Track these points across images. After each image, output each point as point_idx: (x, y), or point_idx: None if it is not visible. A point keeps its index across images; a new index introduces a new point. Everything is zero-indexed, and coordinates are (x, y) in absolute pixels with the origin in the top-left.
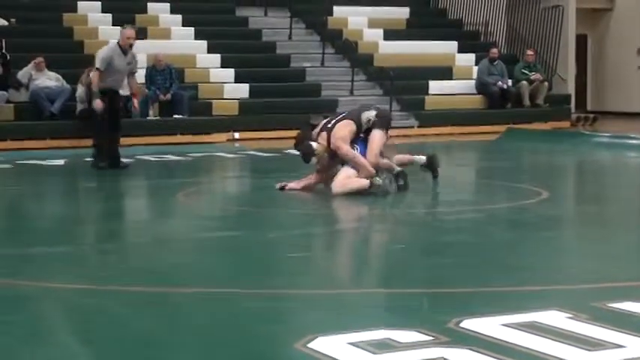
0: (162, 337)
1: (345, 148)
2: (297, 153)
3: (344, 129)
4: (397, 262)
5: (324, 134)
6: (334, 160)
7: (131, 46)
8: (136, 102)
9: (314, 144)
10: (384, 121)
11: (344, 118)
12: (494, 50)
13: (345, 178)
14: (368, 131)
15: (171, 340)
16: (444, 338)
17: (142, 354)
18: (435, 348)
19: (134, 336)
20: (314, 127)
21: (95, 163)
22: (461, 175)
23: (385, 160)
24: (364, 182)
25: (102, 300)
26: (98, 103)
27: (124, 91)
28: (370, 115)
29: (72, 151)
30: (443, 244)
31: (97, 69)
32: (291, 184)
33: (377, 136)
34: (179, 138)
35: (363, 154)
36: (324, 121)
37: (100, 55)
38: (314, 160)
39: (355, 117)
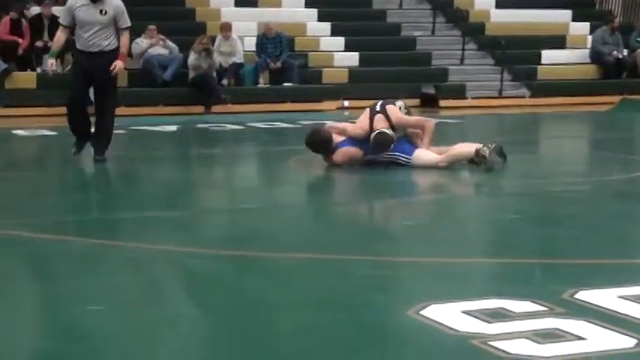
0: (272, 303)
1: (410, 118)
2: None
3: (395, 109)
4: (510, 231)
5: (379, 117)
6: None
7: None
8: (118, 64)
9: (386, 130)
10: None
11: (386, 104)
12: (615, 20)
13: (430, 154)
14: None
15: (283, 304)
16: (559, 309)
17: (254, 317)
18: (550, 319)
19: (246, 299)
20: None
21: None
22: (574, 146)
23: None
24: (471, 149)
25: (214, 264)
26: (50, 63)
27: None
28: (400, 103)
29: (184, 117)
30: (556, 215)
31: (60, 24)
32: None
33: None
34: (289, 106)
35: (410, 150)
36: (367, 112)
37: (64, 6)
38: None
39: (392, 102)
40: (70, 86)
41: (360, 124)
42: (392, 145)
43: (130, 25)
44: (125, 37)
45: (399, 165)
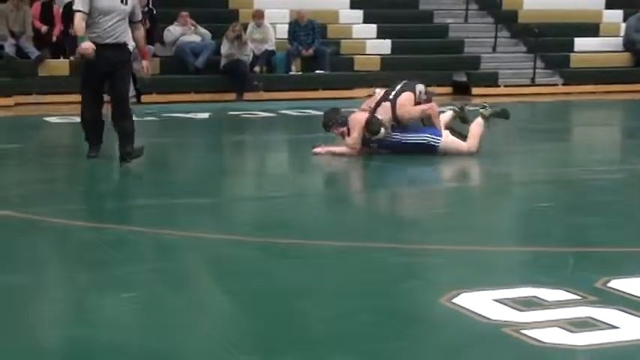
0: (303, 290)
1: (415, 110)
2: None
3: (407, 100)
4: (542, 219)
5: (386, 105)
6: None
7: None
8: (145, 64)
9: (380, 118)
10: (429, 98)
11: (403, 90)
12: None
13: (453, 138)
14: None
15: (313, 292)
16: (591, 298)
17: (285, 304)
18: (583, 307)
19: (275, 286)
20: (337, 111)
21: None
22: (606, 134)
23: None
24: (480, 122)
25: (245, 251)
26: (86, 47)
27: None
28: (421, 87)
29: (216, 104)
30: (589, 203)
31: (78, 11)
32: (320, 150)
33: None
34: (321, 93)
35: (438, 132)
36: (382, 92)
37: None
38: (382, 131)
39: (412, 88)
40: (83, 91)
41: (365, 105)
42: (381, 132)
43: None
44: (141, 32)
45: (428, 149)
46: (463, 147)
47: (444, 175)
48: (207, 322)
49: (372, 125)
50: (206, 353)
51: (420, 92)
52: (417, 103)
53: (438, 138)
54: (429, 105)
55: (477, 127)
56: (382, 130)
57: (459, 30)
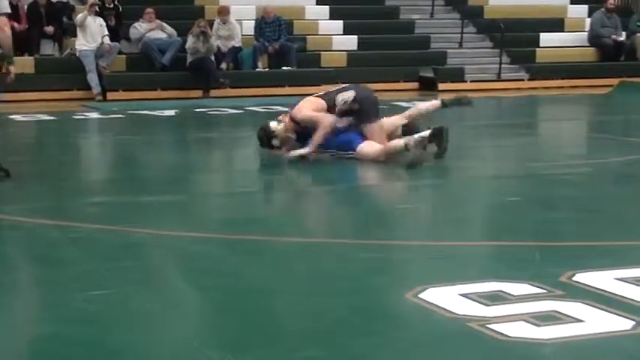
0: (271, 286)
1: (304, 112)
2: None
3: (307, 104)
4: (508, 214)
5: (286, 113)
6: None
7: None
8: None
9: (271, 123)
10: (370, 109)
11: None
12: (612, 1)
13: (373, 145)
14: (347, 113)
15: (281, 289)
16: (557, 291)
17: (252, 302)
18: (548, 301)
19: (243, 283)
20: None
21: None
22: (572, 128)
23: (394, 142)
24: (400, 143)
25: (211, 248)
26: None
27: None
28: (348, 95)
29: (182, 101)
30: (555, 198)
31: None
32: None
33: (375, 129)
34: (287, 90)
35: (358, 143)
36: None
37: None
38: (276, 142)
39: (328, 97)
40: None
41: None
42: (272, 140)
43: (6, 12)
44: None
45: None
46: (372, 155)
47: (410, 172)
48: (176, 320)
49: (264, 136)
50: (175, 350)
51: (345, 101)
52: (346, 113)
53: (351, 153)
54: (325, 116)
55: (393, 143)
56: (275, 141)
57: (425, 26)
